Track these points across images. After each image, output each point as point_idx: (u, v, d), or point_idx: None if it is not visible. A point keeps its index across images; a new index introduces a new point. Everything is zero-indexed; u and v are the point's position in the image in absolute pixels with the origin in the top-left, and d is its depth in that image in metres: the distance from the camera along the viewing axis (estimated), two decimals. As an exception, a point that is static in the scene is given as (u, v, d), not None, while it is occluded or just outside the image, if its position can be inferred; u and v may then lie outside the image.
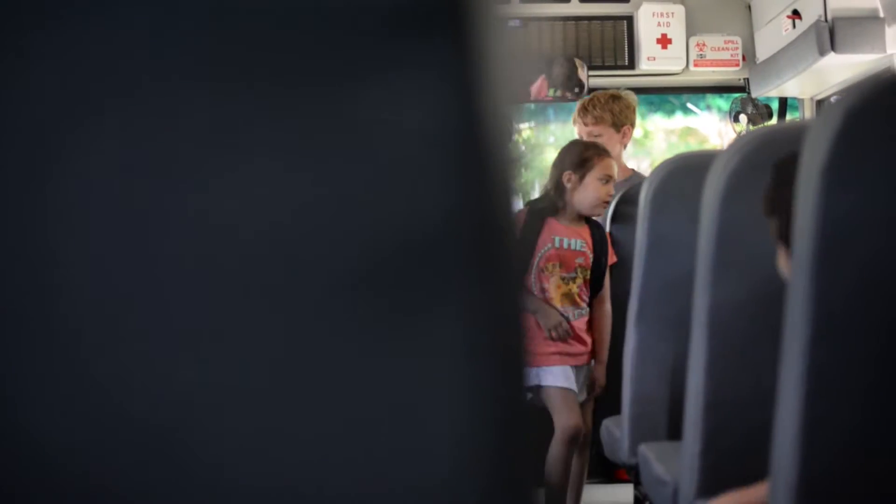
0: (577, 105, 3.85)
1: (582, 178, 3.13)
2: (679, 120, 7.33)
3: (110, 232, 0.26)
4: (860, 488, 1.28)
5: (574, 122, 3.81)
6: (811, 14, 3.56)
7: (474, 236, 0.30)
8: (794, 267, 1.29)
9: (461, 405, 0.30)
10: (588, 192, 3.13)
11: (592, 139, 3.58)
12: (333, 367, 0.28)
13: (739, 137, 1.82)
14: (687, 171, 2.29)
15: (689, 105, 7.16)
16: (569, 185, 3.12)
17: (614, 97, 3.73)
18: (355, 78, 0.26)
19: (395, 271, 0.28)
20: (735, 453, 1.80)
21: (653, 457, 2.18)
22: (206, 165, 0.26)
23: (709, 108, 6.84)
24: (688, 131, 7.28)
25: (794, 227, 1.30)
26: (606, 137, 3.65)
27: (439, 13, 0.28)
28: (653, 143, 8.73)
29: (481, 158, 0.31)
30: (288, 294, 0.27)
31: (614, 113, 3.69)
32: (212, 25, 0.25)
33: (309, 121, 0.26)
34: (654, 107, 7.71)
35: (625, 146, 3.78)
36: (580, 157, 3.17)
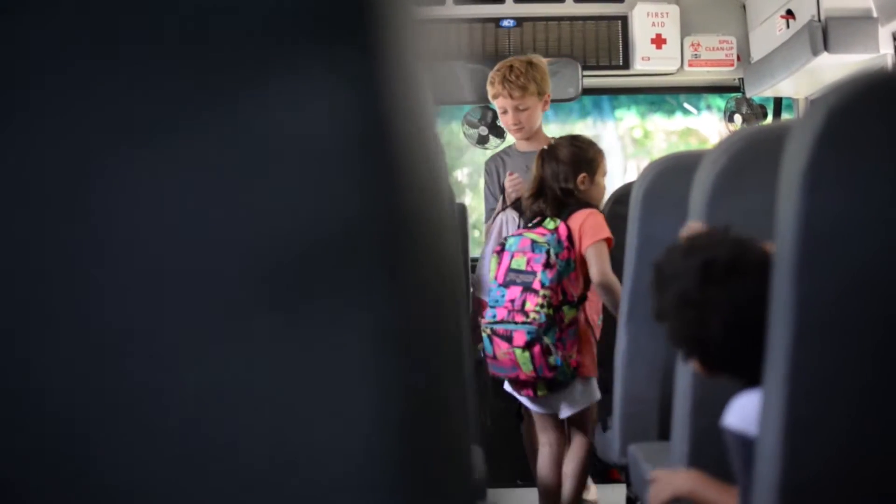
0: (491, 76, 3.54)
1: (593, 178, 3.14)
2: (679, 120, 7.33)
3: (16, 232, 0.26)
4: (844, 490, 1.28)
5: (494, 97, 3.53)
6: (805, 14, 3.56)
7: (382, 235, 0.30)
8: (775, 268, 1.29)
9: (369, 398, 0.30)
10: (598, 191, 3.15)
11: (518, 113, 3.46)
12: (244, 360, 0.28)
13: (726, 137, 1.82)
14: (677, 170, 2.28)
15: (687, 105, 7.16)
16: (583, 187, 3.12)
17: (531, 64, 3.50)
18: (261, 80, 0.26)
19: (303, 270, 0.28)
20: (722, 454, 1.80)
21: (642, 457, 2.18)
22: (111, 167, 0.26)
23: (709, 107, 6.84)
24: (688, 132, 7.28)
25: (776, 228, 1.30)
26: (532, 108, 3.49)
27: (347, 17, 0.27)
28: (653, 143, 8.72)
29: (388, 160, 0.31)
30: (197, 292, 0.27)
31: (537, 81, 3.48)
32: (117, 25, 0.25)
33: (215, 122, 0.26)
34: (655, 107, 7.71)
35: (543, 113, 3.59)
36: (589, 157, 3.17)
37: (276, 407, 0.28)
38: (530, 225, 3.09)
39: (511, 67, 3.46)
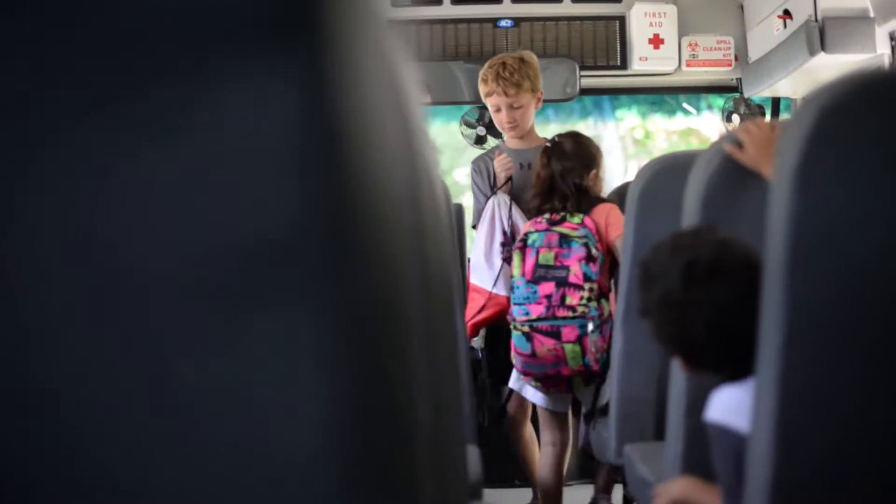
0: (483, 74, 3.46)
1: (597, 174, 3.16)
2: (680, 120, 7.33)
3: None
4: (836, 490, 1.28)
5: (487, 95, 3.44)
6: (802, 14, 3.56)
7: (329, 236, 0.30)
8: (767, 267, 1.29)
9: (318, 399, 0.30)
10: (600, 187, 3.19)
11: (512, 111, 3.41)
12: (191, 361, 0.28)
13: (720, 137, 1.82)
14: (673, 170, 2.28)
15: (686, 105, 7.16)
16: (592, 183, 3.13)
17: (524, 60, 3.43)
18: (206, 80, 0.26)
19: (248, 271, 0.28)
20: (717, 454, 1.80)
21: (637, 457, 2.18)
22: (48, 168, 0.26)
23: (710, 107, 6.84)
24: (689, 131, 7.28)
25: (767, 227, 1.30)
26: (526, 106, 3.43)
27: (295, 17, 0.27)
28: (654, 143, 8.72)
29: (337, 161, 0.30)
30: (139, 297, 0.27)
31: (531, 78, 3.42)
32: (59, 26, 0.25)
33: (157, 124, 0.26)
34: (656, 107, 7.70)
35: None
36: (593, 153, 3.19)
37: (224, 407, 0.28)
38: (546, 220, 3.07)
39: (504, 64, 3.40)
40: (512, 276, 3.08)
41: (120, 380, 0.26)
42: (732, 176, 1.75)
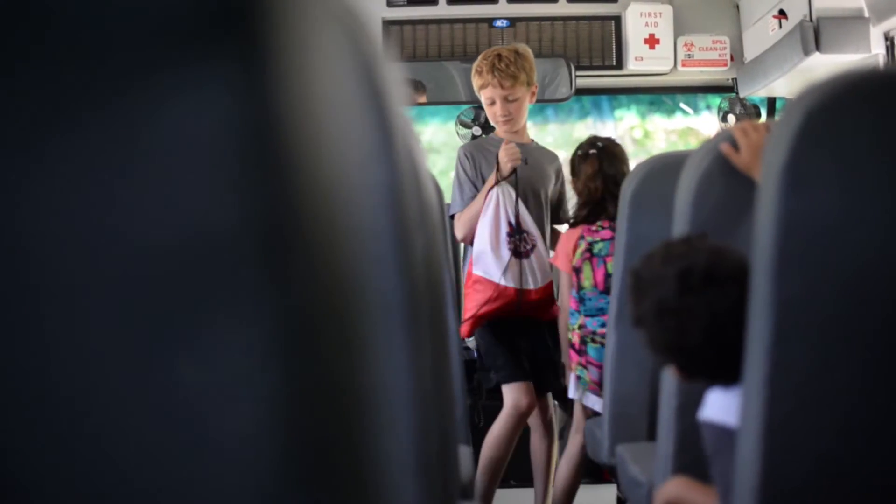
0: (478, 66, 3.36)
1: None
2: (679, 120, 7.33)
3: None
4: (824, 491, 1.28)
5: (482, 87, 3.34)
6: (797, 14, 3.56)
7: (272, 238, 0.30)
8: (755, 268, 1.29)
9: (259, 404, 0.30)
10: None
11: (507, 104, 3.33)
12: (126, 366, 0.28)
13: (711, 137, 1.82)
14: (665, 171, 2.28)
15: (683, 105, 7.16)
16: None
17: (519, 53, 3.36)
18: (143, 80, 0.26)
19: (186, 274, 0.28)
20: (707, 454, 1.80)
21: (629, 458, 2.18)
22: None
23: (709, 107, 6.85)
24: (688, 131, 7.28)
25: (755, 227, 1.30)
26: (521, 99, 3.36)
27: (233, 18, 0.27)
28: (653, 143, 8.71)
29: (278, 161, 0.30)
30: (77, 299, 0.27)
31: (526, 71, 3.35)
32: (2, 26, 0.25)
33: (92, 125, 0.26)
34: (655, 107, 7.70)
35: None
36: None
37: (167, 408, 0.28)
38: (609, 227, 2.96)
39: (499, 56, 3.32)
40: (581, 288, 2.98)
41: (58, 382, 0.26)
42: (723, 176, 1.75)
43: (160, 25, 0.25)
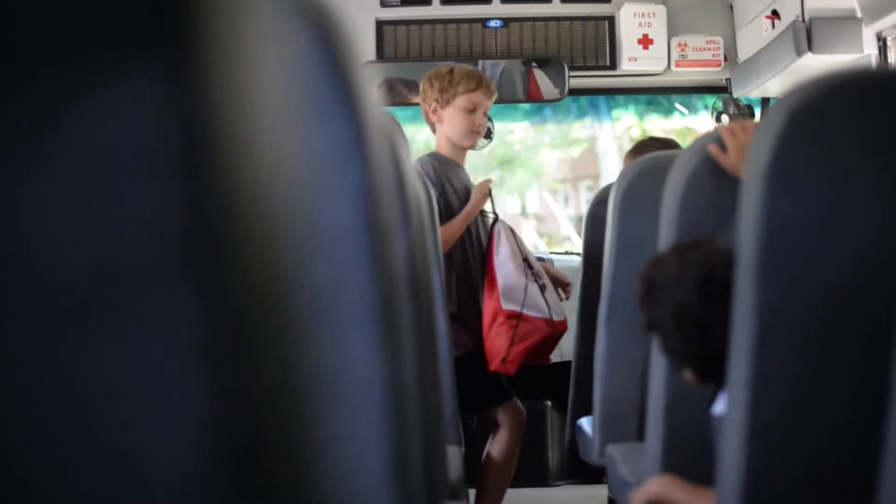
0: (470, 71, 3.33)
1: None
2: (678, 120, 7.35)
3: None
4: (806, 491, 1.28)
5: (472, 90, 3.23)
6: (790, 14, 3.56)
7: (197, 242, 0.30)
8: (738, 269, 1.29)
9: (189, 408, 0.30)
10: None
11: (483, 117, 3.29)
12: (52, 371, 0.28)
13: (699, 138, 1.82)
14: (655, 172, 2.28)
15: (678, 105, 7.17)
16: None
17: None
18: (67, 87, 0.26)
19: (109, 278, 0.28)
20: (696, 455, 1.79)
21: (619, 458, 2.18)
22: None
23: (707, 107, 6.86)
24: (686, 131, 7.29)
25: (738, 228, 1.30)
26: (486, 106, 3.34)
27: (162, 23, 0.27)
28: (653, 143, 8.71)
29: (204, 167, 0.30)
30: (11, 301, 0.27)
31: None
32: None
33: (13, 130, 0.26)
34: (652, 107, 7.71)
35: None
36: None
37: (98, 413, 0.28)
38: None
39: (473, 71, 3.34)
40: None
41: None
42: (711, 177, 1.75)
43: (89, 26, 0.25)
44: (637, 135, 9.58)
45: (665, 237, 1.81)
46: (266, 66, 0.35)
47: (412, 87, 4.35)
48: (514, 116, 7.19)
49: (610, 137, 9.44)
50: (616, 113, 8.45)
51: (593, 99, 7.71)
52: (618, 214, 2.38)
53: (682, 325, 1.48)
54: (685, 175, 1.75)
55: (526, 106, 6.87)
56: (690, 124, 7.15)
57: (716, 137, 1.75)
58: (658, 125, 8.18)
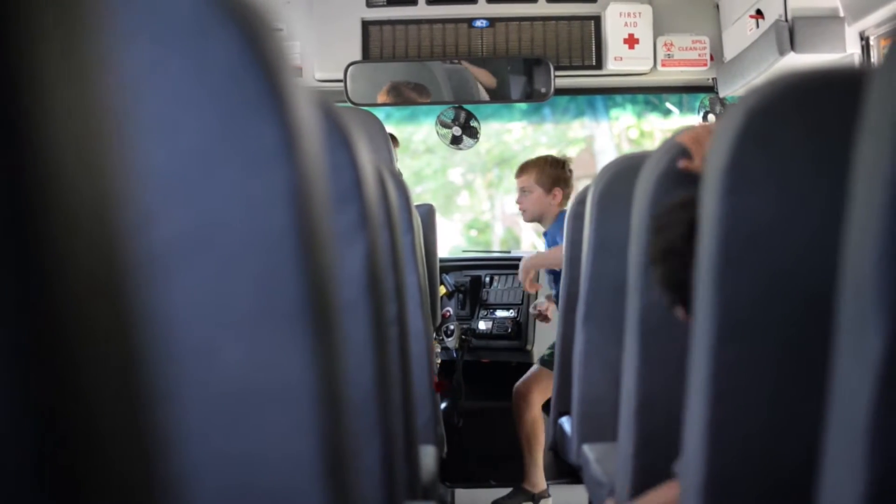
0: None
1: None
2: (676, 119, 7.36)
3: None
4: (766, 488, 1.28)
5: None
6: (774, 14, 3.56)
7: (19, 239, 0.30)
8: (698, 269, 1.29)
9: (8, 410, 0.30)
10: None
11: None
12: None
13: (669, 138, 1.82)
14: (632, 172, 2.28)
15: (669, 105, 7.17)
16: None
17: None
18: None
19: None
20: (668, 455, 1.80)
21: (593, 458, 2.18)
22: None
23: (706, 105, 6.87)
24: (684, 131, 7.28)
25: (699, 228, 1.30)
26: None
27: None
28: (650, 142, 8.70)
29: (12, 161, 0.30)
30: None
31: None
32: None
33: None
34: (650, 106, 7.71)
35: None
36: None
37: None
38: None
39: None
40: None
41: None
42: (681, 176, 1.75)
43: None
44: (635, 135, 9.59)
45: (636, 237, 1.81)
46: (175, 64, 0.35)
47: (413, 88, 4.35)
48: (511, 116, 7.19)
49: (607, 137, 9.43)
50: (614, 112, 8.45)
51: (591, 98, 7.71)
52: (595, 214, 2.38)
53: (669, 258, 1.61)
54: (655, 175, 1.75)
55: (523, 105, 6.87)
56: (689, 124, 7.14)
57: (678, 146, 1.75)
58: (656, 125, 8.19)
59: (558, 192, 4.01)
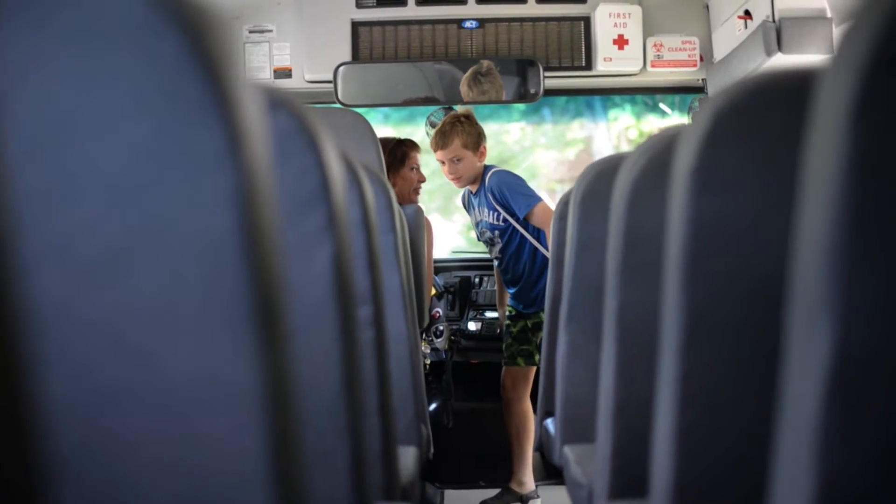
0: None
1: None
2: (675, 120, 7.35)
3: None
4: (734, 490, 1.28)
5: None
6: (761, 14, 3.56)
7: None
8: (666, 270, 1.29)
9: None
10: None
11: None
12: None
13: (647, 139, 1.81)
14: (614, 172, 2.28)
15: (662, 105, 7.18)
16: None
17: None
18: None
19: None
20: (646, 456, 1.79)
21: (573, 459, 2.17)
22: None
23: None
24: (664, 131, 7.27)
25: (667, 230, 1.29)
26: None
27: None
28: (650, 143, 8.68)
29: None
30: None
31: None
32: None
33: None
34: (649, 107, 7.70)
35: None
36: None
37: None
38: None
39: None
40: None
41: None
42: (658, 177, 1.75)
43: None
44: (635, 136, 9.58)
45: (614, 237, 1.81)
46: (118, 64, 0.35)
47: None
48: (510, 117, 7.19)
49: (605, 138, 9.42)
50: (613, 113, 8.45)
51: (589, 99, 7.71)
52: (577, 215, 2.38)
53: None
54: (632, 176, 1.75)
55: (522, 106, 6.87)
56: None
57: (661, 139, 1.75)
58: (656, 125, 8.17)
59: (484, 147, 4.15)
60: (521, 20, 4.33)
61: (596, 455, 1.90)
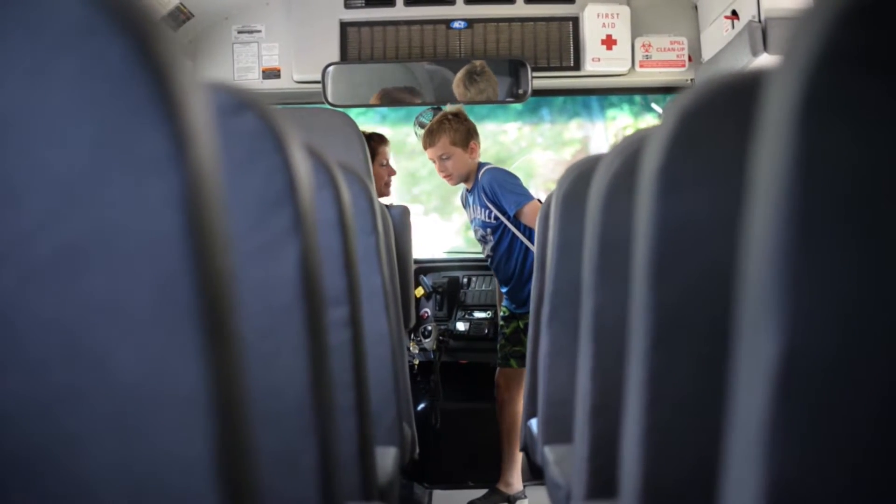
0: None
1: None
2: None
3: None
4: (704, 493, 1.28)
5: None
6: (748, 14, 3.56)
7: None
8: (633, 272, 1.29)
9: None
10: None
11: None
12: None
13: (622, 139, 1.82)
14: (594, 173, 2.28)
15: (654, 105, 7.17)
16: None
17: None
18: None
19: None
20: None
21: (552, 459, 2.18)
22: None
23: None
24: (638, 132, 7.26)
25: (633, 230, 1.30)
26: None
27: None
28: (650, 142, 8.68)
29: None
30: None
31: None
32: None
33: None
34: (647, 108, 7.69)
35: None
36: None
37: None
38: None
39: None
40: None
41: None
42: (633, 178, 1.75)
43: None
44: (632, 136, 9.49)
45: (590, 238, 1.81)
46: (61, 66, 0.35)
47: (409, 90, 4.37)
48: (507, 117, 7.20)
49: (602, 138, 9.42)
50: (611, 113, 8.44)
51: (586, 99, 7.72)
52: (559, 216, 2.39)
53: None
54: (606, 178, 1.76)
55: (519, 106, 6.87)
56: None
57: (635, 140, 1.75)
58: (655, 125, 8.09)
59: (475, 144, 4.14)
60: (510, 20, 4.34)
61: (573, 456, 1.90)
